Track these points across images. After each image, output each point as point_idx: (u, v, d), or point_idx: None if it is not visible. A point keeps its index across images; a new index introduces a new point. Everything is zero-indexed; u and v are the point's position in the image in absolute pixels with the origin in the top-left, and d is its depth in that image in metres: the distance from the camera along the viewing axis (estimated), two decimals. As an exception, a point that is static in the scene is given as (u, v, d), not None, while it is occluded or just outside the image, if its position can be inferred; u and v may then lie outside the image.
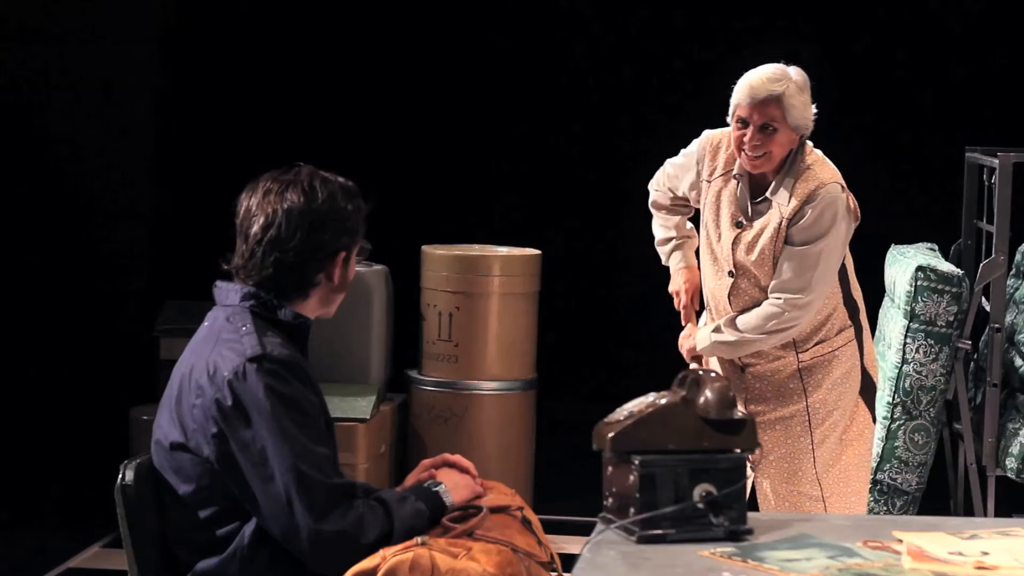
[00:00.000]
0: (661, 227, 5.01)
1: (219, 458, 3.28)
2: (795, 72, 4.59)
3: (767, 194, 4.60)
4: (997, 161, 5.49)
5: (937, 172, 7.07)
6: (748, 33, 7.39)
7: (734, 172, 4.66)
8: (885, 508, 5.44)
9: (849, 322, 4.73)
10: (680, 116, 7.39)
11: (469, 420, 6.54)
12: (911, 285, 5.37)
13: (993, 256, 5.45)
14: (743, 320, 4.64)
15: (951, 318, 5.37)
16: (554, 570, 3.47)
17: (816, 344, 4.70)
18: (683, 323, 4.96)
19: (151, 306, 7.04)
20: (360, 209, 3.45)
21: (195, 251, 6.23)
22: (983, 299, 5.54)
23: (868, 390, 4.76)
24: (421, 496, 3.40)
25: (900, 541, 3.08)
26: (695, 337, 4.78)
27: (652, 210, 5.01)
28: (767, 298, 4.61)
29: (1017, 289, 5.64)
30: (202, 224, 6.80)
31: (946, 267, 5.43)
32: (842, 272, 4.72)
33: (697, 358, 4.83)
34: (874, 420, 4.77)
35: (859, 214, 4.66)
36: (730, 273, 4.69)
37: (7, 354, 7.26)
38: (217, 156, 7.47)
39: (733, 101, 4.60)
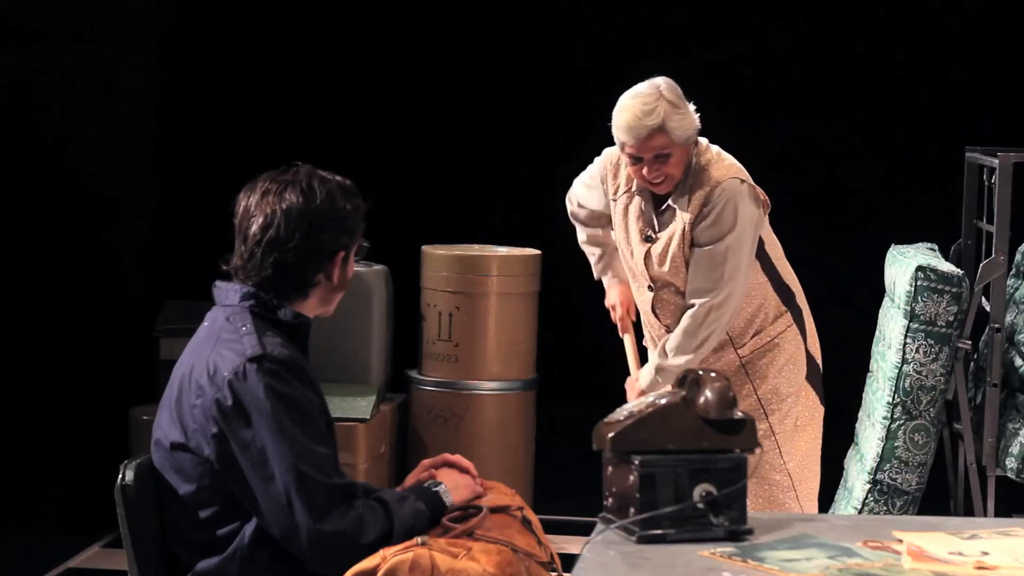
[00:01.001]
0: (587, 243, 5.06)
1: (219, 458, 3.28)
2: (664, 88, 4.56)
3: (668, 202, 4.63)
4: (997, 161, 5.49)
5: (937, 172, 7.07)
6: (749, 33, 7.39)
7: (634, 189, 4.69)
8: (885, 508, 5.44)
9: (784, 308, 4.77)
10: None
11: (469, 420, 6.54)
12: (911, 285, 5.37)
13: (993, 256, 5.45)
14: (671, 344, 4.67)
15: (951, 318, 5.37)
16: (554, 570, 3.47)
17: (753, 336, 4.74)
18: (620, 335, 5.05)
19: (151, 306, 7.04)
20: (358, 208, 3.45)
21: (195, 251, 6.23)
22: (983, 299, 5.53)
23: (813, 374, 4.83)
24: (421, 496, 3.40)
25: (900, 541, 3.08)
26: (641, 380, 4.81)
27: (573, 222, 5.05)
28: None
29: (1017, 289, 5.64)
30: (202, 224, 6.79)
31: (946, 267, 5.42)
32: (766, 261, 4.73)
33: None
34: (823, 403, 4.84)
35: (768, 201, 4.66)
36: (649, 287, 4.76)
37: (7, 354, 7.26)
38: (217, 156, 7.47)
39: (616, 138, 4.58)
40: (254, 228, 3.38)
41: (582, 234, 5.08)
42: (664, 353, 4.68)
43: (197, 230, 7.07)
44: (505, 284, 6.58)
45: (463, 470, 3.55)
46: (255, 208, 3.39)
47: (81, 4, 7.38)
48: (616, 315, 5.08)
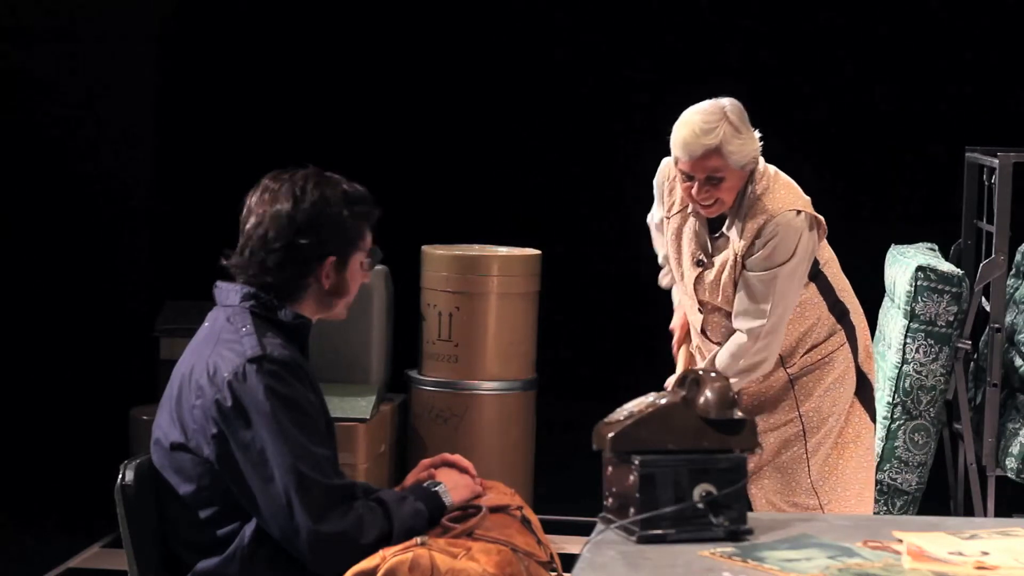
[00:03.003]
0: (662, 259, 4.85)
1: (219, 458, 3.28)
2: (730, 109, 4.40)
3: (723, 230, 4.50)
4: (997, 161, 5.49)
5: (937, 172, 7.07)
6: (749, 34, 7.39)
7: (690, 210, 4.54)
8: (885, 508, 5.44)
9: (838, 326, 4.64)
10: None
11: (469, 420, 6.53)
12: (911, 285, 5.38)
13: (993, 256, 5.45)
14: (720, 360, 4.55)
15: (951, 318, 5.37)
16: (554, 570, 3.47)
17: (804, 355, 4.62)
18: (674, 359, 4.87)
19: (151, 306, 7.04)
20: (360, 215, 3.41)
21: (195, 251, 6.22)
22: (983, 299, 5.54)
23: (864, 389, 4.68)
24: (420, 496, 3.41)
25: (900, 541, 3.08)
26: None
27: (654, 235, 4.86)
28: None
29: (1017, 289, 5.64)
30: (202, 224, 6.79)
31: (946, 267, 5.43)
32: (823, 281, 4.62)
33: None
34: (873, 419, 4.70)
35: (825, 225, 4.54)
36: (699, 309, 4.64)
37: (7, 354, 7.26)
38: (217, 156, 7.47)
39: (672, 151, 4.44)
40: (248, 226, 3.39)
41: (658, 244, 4.85)
42: (713, 367, 4.53)
43: (197, 230, 7.08)
44: (505, 284, 6.58)
45: (463, 470, 3.55)
46: (253, 207, 3.40)
47: (81, 4, 7.38)
48: (674, 340, 4.94)
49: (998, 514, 5.37)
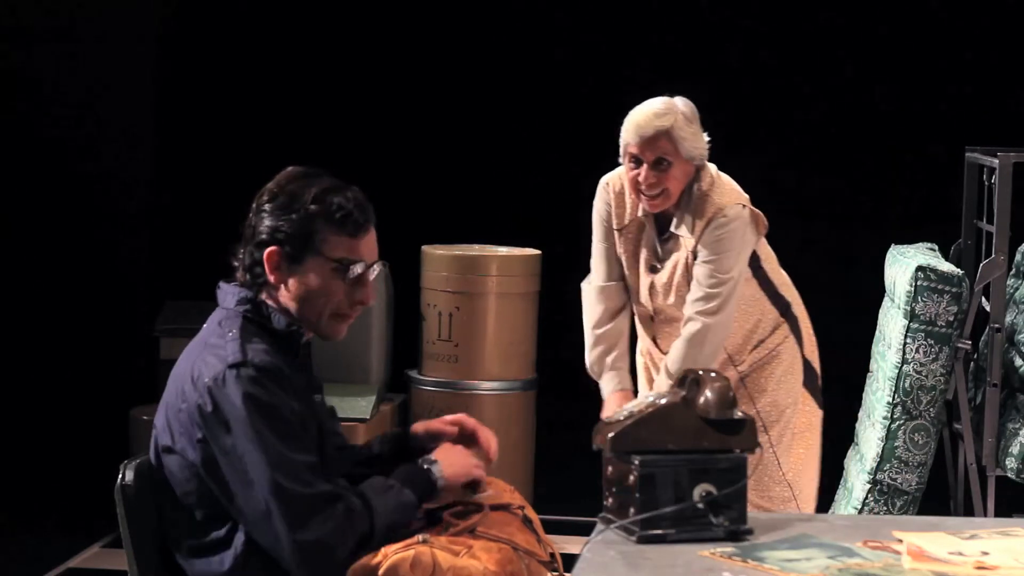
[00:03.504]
0: (598, 345, 4.82)
1: (204, 463, 3.27)
2: (682, 103, 4.58)
3: (671, 229, 4.63)
4: (997, 161, 5.49)
5: (937, 172, 7.06)
6: (749, 34, 7.39)
7: (640, 214, 4.67)
8: (885, 508, 5.44)
9: (781, 319, 4.80)
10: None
11: (469, 420, 6.53)
12: (911, 285, 5.37)
13: (993, 256, 5.45)
14: (671, 360, 4.63)
15: (951, 318, 5.36)
16: (555, 569, 3.47)
17: (751, 351, 4.77)
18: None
19: (151, 306, 7.04)
20: (328, 217, 3.29)
21: (195, 251, 6.24)
22: (983, 299, 5.53)
23: (811, 379, 4.86)
24: (409, 479, 3.36)
25: (900, 541, 3.08)
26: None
27: (588, 316, 4.85)
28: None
29: (1017, 289, 5.64)
30: (202, 224, 6.80)
31: (946, 267, 5.42)
32: (762, 276, 4.76)
33: None
34: (820, 407, 4.88)
35: (766, 223, 4.69)
36: (651, 317, 4.76)
37: (7, 354, 7.26)
38: (217, 156, 7.47)
39: (622, 140, 4.59)
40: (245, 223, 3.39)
41: (596, 320, 4.83)
42: (667, 372, 4.66)
43: (197, 230, 7.08)
44: (505, 284, 6.58)
45: (473, 442, 3.54)
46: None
47: (81, 4, 7.38)
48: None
49: (998, 514, 5.36)
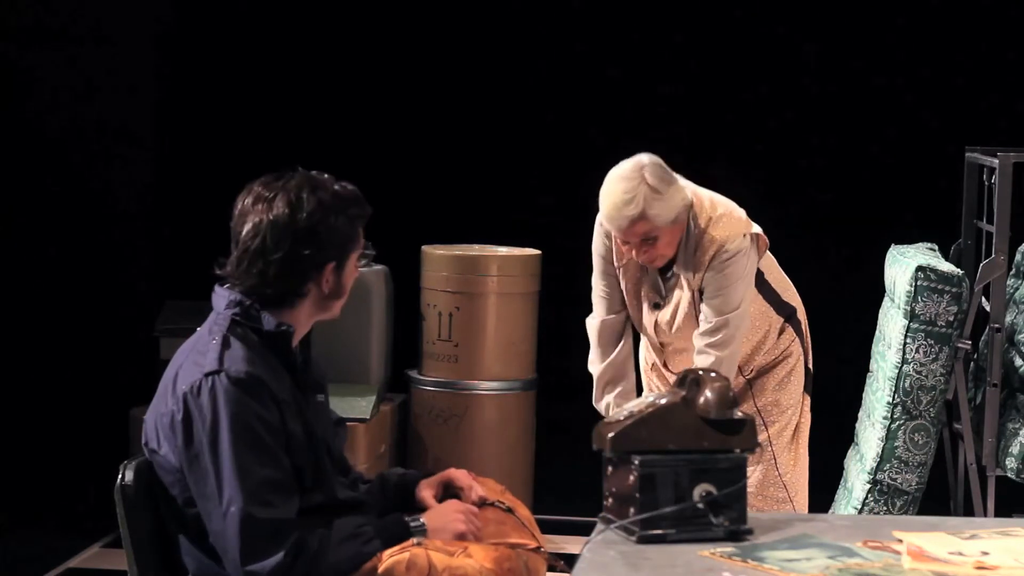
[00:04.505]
0: (604, 379, 4.84)
1: (183, 467, 3.27)
2: (648, 170, 4.42)
3: (673, 269, 4.60)
4: (997, 161, 5.49)
5: (937, 172, 7.06)
6: (750, 34, 7.38)
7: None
8: (885, 508, 5.44)
9: (787, 325, 4.81)
10: (682, 115, 7.40)
11: (469, 420, 6.53)
12: (911, 285, 5.37)
13: (993, 256, 5.45)
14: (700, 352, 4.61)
15: (951, 318, 5.36)
16: (552, 564, 3.48)
17: (760, 357, 4.79)
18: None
19: (151, 306, 7.04)
20: (354, 219, 3.40)
21: (195, 251, 6.22)
22: (983, 299, 5.53)
23: (809, 384, 4.89)
24: (386, 532, 3.33)
25: (900, 541, 3.08)
26: None
27: (595, 351, 4.86)
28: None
29: (1017, 289, 5.64)
30: (202, 224, 6.78)
31: (946, 267, 5.42)
32: (767, 289, 4.74)
33: None
34: (810, 412, 4.91)
35: (767, 241, 4.65)
36: (660, 346, 4.78)
37: (7, 354, 7.26)
38: (217, 156, 7.46)
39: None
40: (243, 233, 3.36)
41: (599, 354, 4.85)
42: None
43: (197, 230, 7.06)
44: (505, 284, 6.58)
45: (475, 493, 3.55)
46: (247, 213, 3.38)
47: (80, 4, 7.38)
48: None
49: (998, 514, 5.36)
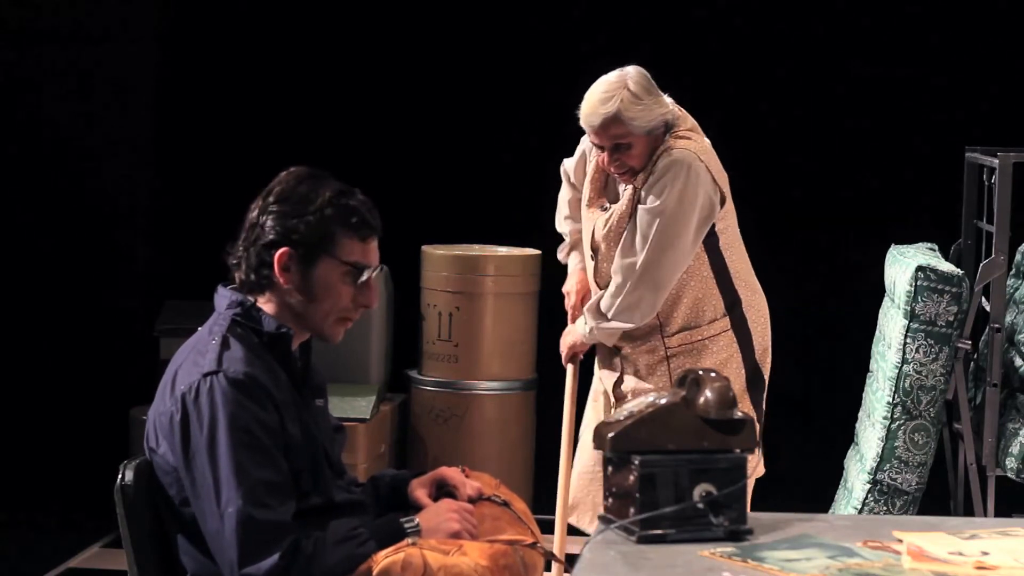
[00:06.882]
0: (564, 221, 5.01)
1: (181, 467, 3.27)
2: (632, 77, 4.50)
3: (635, 183, 4.60)
4: (997, 161, 5.49)
5: (937, 172, 7.06)
6: (749, 33, 7.39)
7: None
8: (885, 508, 5.44)
9: (724, 312, 4.66)
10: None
11: (469, 420, 6.54)
12: (911, 285, 5.37)
13: (993, 256, 5.45)
14: (604, 302, 4.64)
15: (951, 318, 5.37)
16: (549, 558, 3.48)
17: (682, 331, 4.65)
18: (570, 323, 4.96)
19: (151, 306, 7.04)
20: (339, 221, 3.30)
21: (195, 251, 6.22)
22: (983, 299, 5.54)
23: (755, 385, 4.70)
24: (380, 532, 3.31)
25: (900, 541, 3.08)
26: (573, 333, 4.81)
27: (562, 200, 4.99)
28: None
29: (1017, 289, 5.64)
30: (202, 224, 6.79)
31: (946, 267, 5.43)
32: (717, 257, 4.64)
33: (572, 358, 4.86)
34: (760, 418, 4.72)
35: (724, 189, 4.56)
36: (591, 256, 4.73)
37: (7, 354, 7.26)
38: (217, 156, 7.46)
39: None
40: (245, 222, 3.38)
41: (563, 209, 5.01)
42: (597, 309, 4.66)
43: (197, 230, 7.07)
44: (504, 284, 6.59)
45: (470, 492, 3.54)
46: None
47: (81, 4, 7.38)
48: (569, 303, 5.02)
49: (998, 514, 5.37)
